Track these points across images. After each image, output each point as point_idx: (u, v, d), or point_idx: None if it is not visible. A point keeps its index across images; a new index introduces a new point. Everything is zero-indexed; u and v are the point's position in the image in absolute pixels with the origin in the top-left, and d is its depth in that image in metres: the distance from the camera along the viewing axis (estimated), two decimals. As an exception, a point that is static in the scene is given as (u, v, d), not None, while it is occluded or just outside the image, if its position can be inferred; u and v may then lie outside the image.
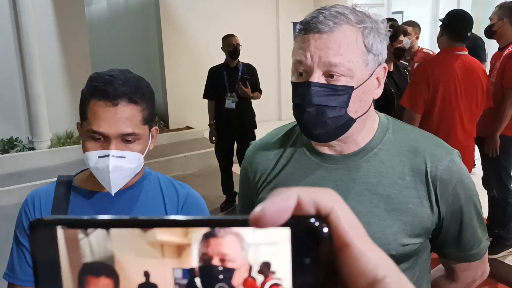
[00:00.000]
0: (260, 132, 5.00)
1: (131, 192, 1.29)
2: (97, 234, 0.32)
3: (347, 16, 0.98)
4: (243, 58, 4.81)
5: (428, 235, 1.08)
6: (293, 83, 1.04)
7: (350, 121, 1.02)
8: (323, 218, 0.30)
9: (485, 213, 3.81)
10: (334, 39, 0.96)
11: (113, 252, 0.32)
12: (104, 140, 1.18)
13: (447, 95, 3.10)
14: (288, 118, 8.70)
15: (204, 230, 0.31)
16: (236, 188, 5.05)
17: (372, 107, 1.08)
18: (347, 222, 0.30)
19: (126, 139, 1.18)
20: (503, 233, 3.57)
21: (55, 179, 1.33)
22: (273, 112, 9.17)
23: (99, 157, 1.18)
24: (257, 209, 0.30)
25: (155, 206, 1.30)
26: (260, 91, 4.89)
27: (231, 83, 4.64)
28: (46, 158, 6.46)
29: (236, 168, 5.06)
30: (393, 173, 1.05)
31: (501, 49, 3.57)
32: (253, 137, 4.86)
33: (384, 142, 1.08)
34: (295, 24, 6.24)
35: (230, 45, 4.64)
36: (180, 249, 0.32)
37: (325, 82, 0.98)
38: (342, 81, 0.98)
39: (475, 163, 3.71)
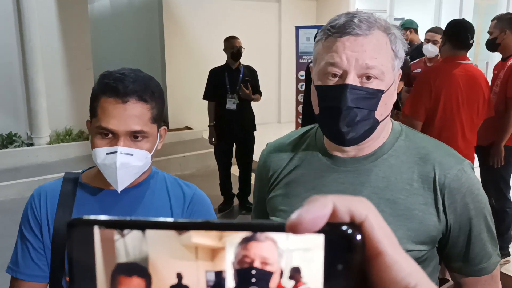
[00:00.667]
0: (260, 134, 5.03)
1: (137, 190, 1.30)
2: (133, 235, 0.33)
3: (378, 21, 1.01)
4: (244, 60, 4.82)
5: (434, 243, 1.08)
6: (322, 86, 1.03)
7: (376, 125, 1.03)
8: (356, 226, 0.31)
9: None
10: (369, 42, 0.98)
11: (148, 253, 0.33)
12: (112, 137, 1.19)
13: (448, 104, 3.12)
14: (287, 120, 8.71)
15: (239, 234, 0.32)
16: (235, 190, 5.05)
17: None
18: (381, 230, 0.31)
19: (134, 136, 1.19)
20: (500, 243, 3.55)
21: (53, 175, 1.34)
22: (273, 115, 9.19)
23: (107, 153, 1.19)
24: (294, 215, 0.30)
25: (161, 205, 1.31)
26: (260, 93, 4.91)
27: (232, 84, 4.65)
28: (44, 154, 6.45)
29: (234, 170, 5.07)
30: (401, 179, 1.06)
31: (504, 60, 3.58)
32: (253, 139, 4.87)
33: (395, 148, 1.09)
34: (297, 28, 6.25)
35: (234, 47, 4.65)
36: (214, 252, 0.32)
37: (359, 84, 0.99)
38: (374, 84, 0.99)
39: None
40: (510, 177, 3.58)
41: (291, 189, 1.15)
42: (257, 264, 0.32)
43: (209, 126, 4.78)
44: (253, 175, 4.98)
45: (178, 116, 8.12)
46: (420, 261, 1.07)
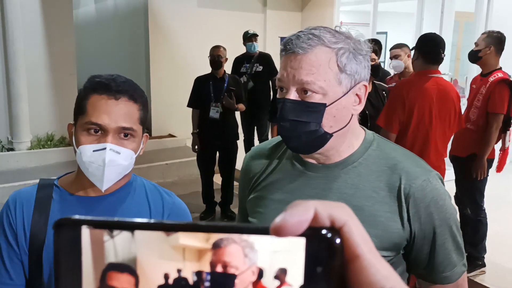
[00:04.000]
0: (243, 143, 5.01)
1: (116, 197, 1.29)
2: (122, 235, 0.34)
3: (322, 38, 1.05)
4: (229, 69, 4.85)
5: (398, 250, 1.12)
6: (276, 99, 1.14)
7: (326, 135, 1.09)
8: (336, 230, 0.33)
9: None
10: (307, 60, 1.05)
11: (136, 254, 0.34)
12: (100, 135, 1.19)
13: (421, 116, 3.19)
14: (270, 130, 8.73)
15: (225, 235, 0.34)
16: (217, 198, 5.05)
17: (355, 123, 1.15)
18: (359, 235, 0.33)
19: (123, 134, 1.20)
20: (475, 253, 3.64)
21: (34, 181, 1.33)
22: (256, 124, 9.19)
23: (93, 151, 1.18)
24: (278, 219, 0.33)
25: (140, 212, 1.30)
26: (244, 103, 4.94)
27: (216, 93, 4.67)
28: (25, 159, 6.34)
29: (217, 178, 5.07)
30: (369, 187, 1.11)
31: (484, 75, 3.69)
32: (235, 148, 4.89)
33: (365, 157, 1.15)
34: (282, 39, 6.32)
35: (212, 55, 4.72)
36: (201, 253, 0.34)
37: (298, 99, 1.07)
38: (315, 98, 1.06)
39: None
40: (485, 188, 3.67)
41: (267, 192, 1.22)
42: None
43: (192, 133, 4.79)
44: (235, 184, 4.99)
45: (162, 123, 8.08)
46: None
